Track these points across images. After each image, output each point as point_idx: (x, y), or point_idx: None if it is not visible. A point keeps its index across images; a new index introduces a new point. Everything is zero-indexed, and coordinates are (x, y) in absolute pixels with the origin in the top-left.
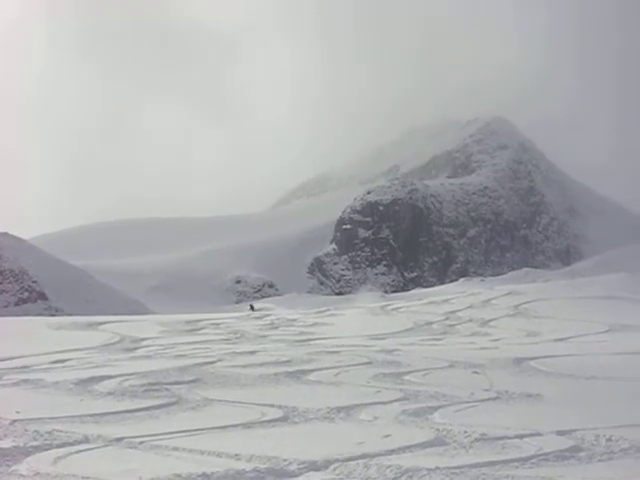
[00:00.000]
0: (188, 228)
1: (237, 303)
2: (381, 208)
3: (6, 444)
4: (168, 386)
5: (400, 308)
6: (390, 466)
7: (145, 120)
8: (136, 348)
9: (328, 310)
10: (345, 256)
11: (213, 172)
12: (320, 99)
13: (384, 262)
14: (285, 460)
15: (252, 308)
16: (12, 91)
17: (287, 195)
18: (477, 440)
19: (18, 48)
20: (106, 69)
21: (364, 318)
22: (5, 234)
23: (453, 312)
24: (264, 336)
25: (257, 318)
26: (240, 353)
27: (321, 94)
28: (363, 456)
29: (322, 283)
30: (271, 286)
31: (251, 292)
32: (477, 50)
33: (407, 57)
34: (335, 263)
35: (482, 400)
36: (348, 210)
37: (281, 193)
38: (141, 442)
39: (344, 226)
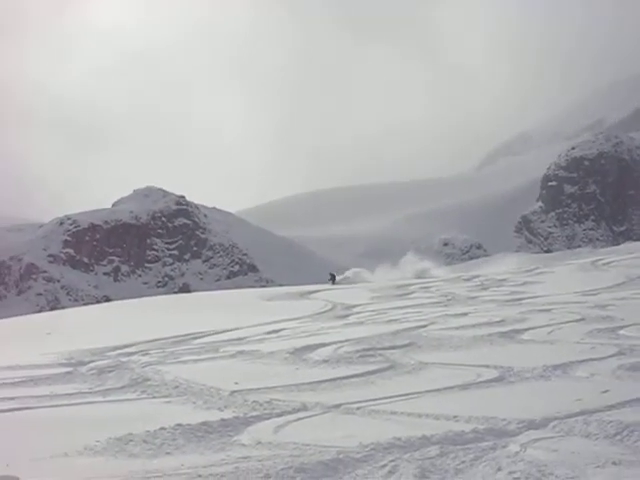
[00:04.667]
0: (391, 193)
1: (446, 266)
2: (586, 163)
3: (227, 415)
4: (382, 351)
5: (611, 262)
6: (611, 422)
7: (345, 76)
8: (348, 315)
9: (537, 268)
10: (552, 213)
11: (410, 126)
12: (519, 46)
13: (592, 217)
14: (504, 420)
15: (334, 279)
16: (221, 74)
17: (491, 154)
18: None
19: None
20: (307, 30)
21: (575, 274)
22: (213, 209)
23: None
24: (474, 297)
25: (466, 280)
26: (452, 315)
27: (519, 42)
28: (582, 413)
29: (530, 241)
30: (479, 247)
31: (459, 254)
32: None
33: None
34: (542, 221)
35: None
36: (553, 167)
37: (484, 151)
38: (358, 407)
39: (549, 183)
